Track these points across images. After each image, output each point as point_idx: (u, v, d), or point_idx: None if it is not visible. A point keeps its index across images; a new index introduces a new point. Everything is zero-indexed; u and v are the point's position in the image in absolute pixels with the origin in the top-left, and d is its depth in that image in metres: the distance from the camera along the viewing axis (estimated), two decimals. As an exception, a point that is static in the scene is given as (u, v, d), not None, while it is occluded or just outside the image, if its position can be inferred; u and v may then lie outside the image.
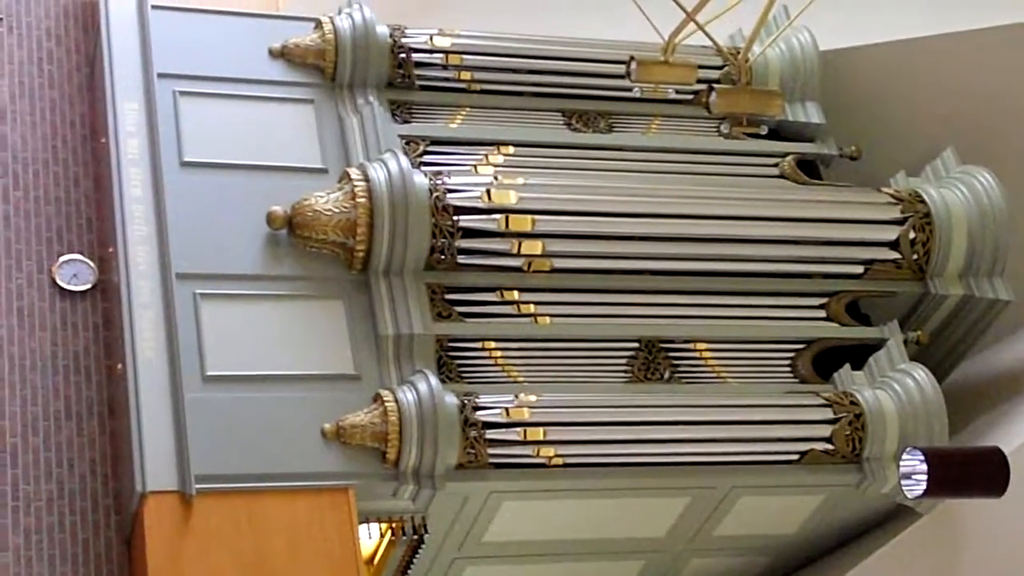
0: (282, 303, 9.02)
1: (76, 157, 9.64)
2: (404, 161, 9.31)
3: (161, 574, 8.08)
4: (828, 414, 9.46)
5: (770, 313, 9.88)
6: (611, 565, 10.02)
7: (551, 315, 9.42)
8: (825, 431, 9.44)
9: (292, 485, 8.46)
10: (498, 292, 9.37)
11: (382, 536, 9.25)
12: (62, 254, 9.26)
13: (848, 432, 9.43)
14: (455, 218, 9.25)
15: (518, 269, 9.41)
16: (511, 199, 9.40)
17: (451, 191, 9.30)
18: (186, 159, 9.30)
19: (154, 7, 9.80)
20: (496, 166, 9.67)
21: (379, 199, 9.09)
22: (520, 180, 9.53)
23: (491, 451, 8.87)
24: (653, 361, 9.60)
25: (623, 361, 9.51)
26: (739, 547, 10.13)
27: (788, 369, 9.85)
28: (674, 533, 9.81)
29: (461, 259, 9.28)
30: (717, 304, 9.79)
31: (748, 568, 10.33)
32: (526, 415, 8.96)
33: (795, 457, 9.45)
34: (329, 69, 9.93)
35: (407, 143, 9.74)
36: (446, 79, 10.19)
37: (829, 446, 9.45)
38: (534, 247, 9.42)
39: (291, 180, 9.37)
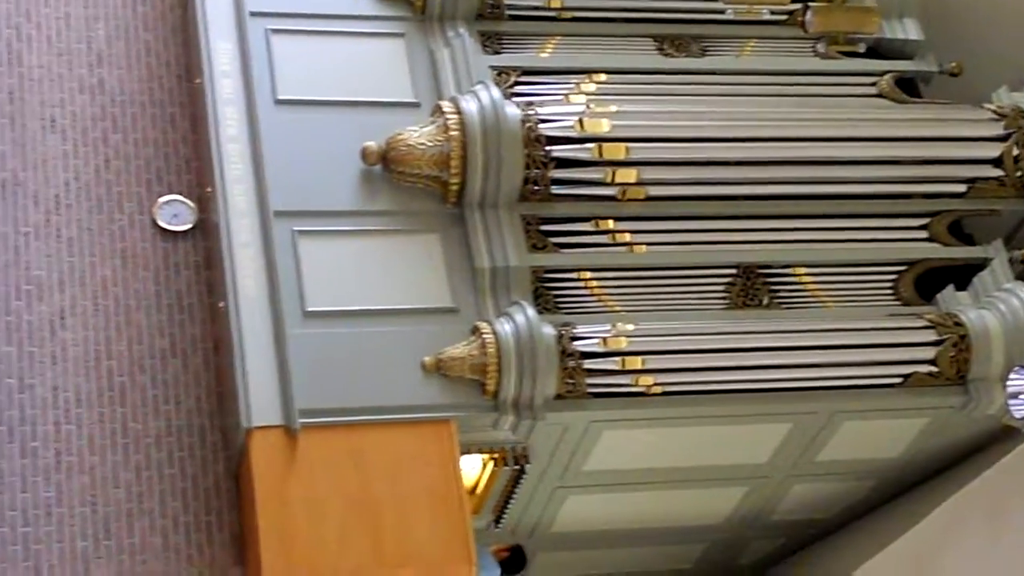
0: (378, 238, 9.16)
1: (172, 98, 9.81)
2: (496, 92, 9.36)
3: (268, 506, 8.31)
4: (931, 336, 9.43)
5: (871, 235, 9.85)
6: (713, 492, 10.14)
7: (647, 243, 9.46)
8: (929, 353, 9.41)
9: (394, 418, 8.65)
10: (593, 222, 9.44)
11: (484, 467, 9.45)
12: (162, 195, 9.45)
13: (952, 354, 9.39)
14: (548, 148, 9.29)
15: (612, 198, 9.46)
16: (604, 127, 9.41)
17: (543, 121, 9.34)
18: (280, 97, 9.43)
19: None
20: (588, 95, 9.65)
21: (472, 132, 9.16)
22: (613, 108, 9.53)
23: (589, 381, 8.97)
24: (752, 287, 9.61)
25: (721, 288, 9.53)
26: (842, 472, 10.17)
27: (890, 292, 9.81)
28: (776, 459, 9.89)
29: (555, 189, 9.35)
30: (816, 228, 9.76)
31: (851, 492, 10.37)
32: (624, 344, 9.04)
33: (898, 380, 9.44)
34: (419, 2, 9.98)
35: (498, 74, 9.78)
36: (536, 8, 10.18)
37: (933, 368, 9.41)
38: (628, 175, 9.46)
39: (384, 115, 9.48)
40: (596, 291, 9.34)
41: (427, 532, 8.46)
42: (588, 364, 8.96)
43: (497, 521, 9.75)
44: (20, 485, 8.46)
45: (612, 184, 9.42)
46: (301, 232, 9.03)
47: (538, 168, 9.29)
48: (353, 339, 8.80)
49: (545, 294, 9.24)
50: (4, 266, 9.01)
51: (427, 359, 8.82)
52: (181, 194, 9.51)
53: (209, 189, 9.27)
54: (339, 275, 8.97)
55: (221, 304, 8.94)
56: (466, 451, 9.03)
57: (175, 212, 9.44)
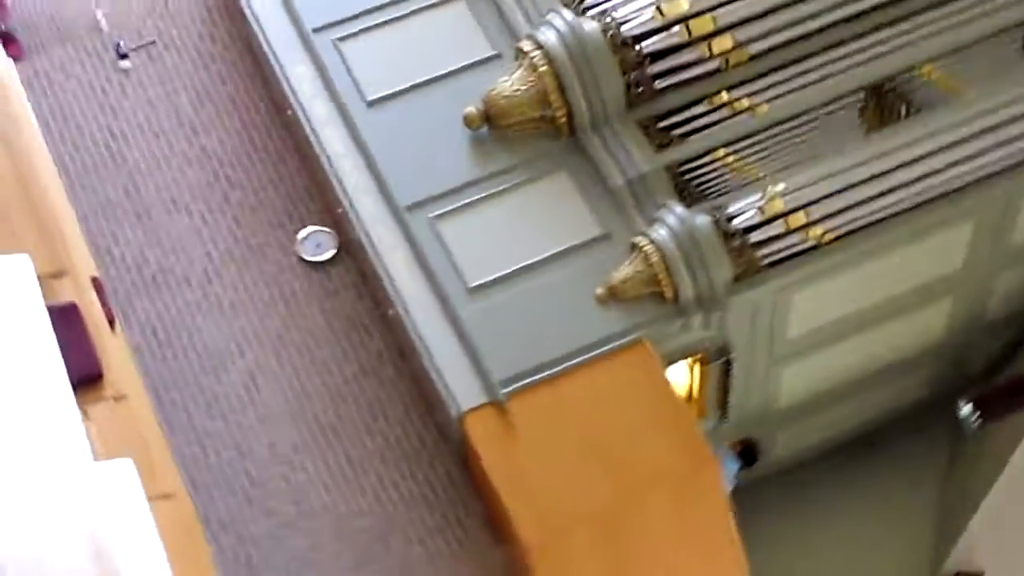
0: (510, 195, 9.26)
1: (271, 137, 9.96)
2: (568, 15, 9.37)
3: (504, 478, 8.49)
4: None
5: (981, 8, 9.59)
6: (920, 314, 10.09)
7: (767, 101, 9.39)
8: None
9: (589, 357, 8.76)
10: (707, 101, 9.39)
11: (691, 371, 9.53)
12: (298, 231, 9.64)
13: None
14: (637, 47, 9.27)
15: (717, 71, 9.39)
16: (684, 6, 9.33)
17: (623, 23, 9.31)
18: (370, 99, 9.57)
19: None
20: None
21: (559, 60, 9.20)
22: (685, -16, 9.52)
23: (761, 253, 9.00)
24: (884, 103, 9.45)
25: (855, 115, 9.42)
26: (1042, 246, 10.06)
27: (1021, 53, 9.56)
28: (971, 259, 9.80)
29: (659, 84, 9.33)
30: (924, 22, 9.54)
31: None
32: (781, 206, 9.02)
33: (1062, 135, 9.30)
34: (464, -49, 10.14)
35: (566, -4, 9.91)
36: (578, -81, 10.20)
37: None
38: (724, 43, 9.37)
39: (472, 77, 9.55)
40: (735, 165, 9.31)
41: (661, 449, 8.57)
42: (754, 237, 8.98)
43: (723, 416, 9.86)
44: (271, 544, 8.75)
45: (712, 58, 9.34)
46: (437, 217, 9.19)
47: (635, 70, 9.26)
48: (522, 298, 8.94)
49: (687, 187, 9.26)
50: (182, 349, 9.34)
51: (599, 291, 8.92)
52: (316, 224, 9.72)
53: (339, 209, 9.46)
54: (487, 244, 9.10)
55: (391, 312, 9.14)
56: (669, 362, 9.12)
57: (317, 243, 9.62)
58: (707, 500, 8.66)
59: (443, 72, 9.62)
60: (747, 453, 9.82)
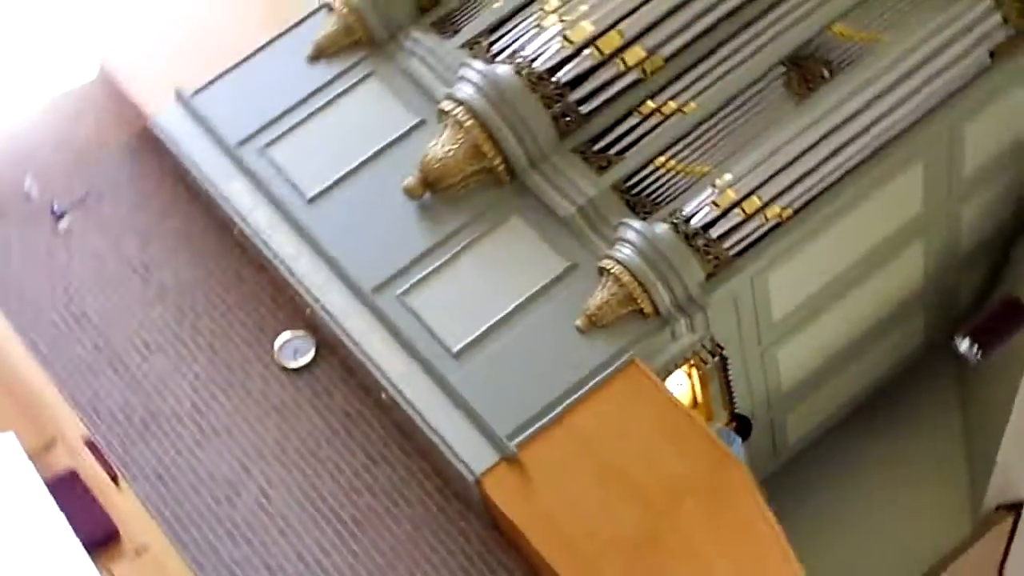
0: (469, 253, 9.29)
1: (224, 257, 9.96)
2: (479, 65, 9.45)
3: (538, 529, 8.44)
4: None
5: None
6: (896, 263, 10.14)
7: (692, 98, 9.48)
8: (996, 20, 9.32)
9: (587, 389, 8.74)
10: (635, 113, 9.46)
11: (690, 378, 9.55)
12: (273, 341, 9.60)
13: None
14: (554, 79, 9.36)
15: (638, 82, 9.49)
16: (589, 28, 9.45)
17: (534, 60, 9.41)
18: (309, 196, 9.63)
19: (193, 94, 10.14)
20: (555, 11, 9.66)
21: (482, 111, 9.27)
22: (583, 7, 9.54)
23: (726, 245, 9.05)
24: (806, 70, 9.52)
25: (781, 90, 9.49)
26: (995, 167, 10.10)
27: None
28: (930, 198, 9.86)
29: (584, 109, 9.43)
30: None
31: (1020, 177, 10.28)
32: (733, 195, 9.09)
33: (987, 60, 9.37)
34: (365, 36, 10.10)
35: (470, 48, 9.86)
36: (463, -31, 10.32)
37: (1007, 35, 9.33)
38: (637, 54, 9.47)
39: (402, 149, 9.63)
40: (677, 167, 9.34)
41: (680, 460, 8.53)
42: (715, 232, 9.02)
43: (732, 415, 9.87)
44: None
45: (629, 70, 9.44)
46: (404, 293, 9.20)
47: (558, 101, 9.36)
48: (507, 349, 8.96)
49: (638, 200, 9.28)
50: (190, 486, 9.29)
51: (579, 322, 8.92)
52: (289, 330, 9.70)
53: (308, 310, 9.45)
54: (459, 306, 9.11)
55: (383, 396, 9.10)
56: (666, 374, 9.13)
57: (295, 348, 9.59)
58: (738, 499, 8.60)
59: (373, 152, 9.68)
60: (742, 426, 9.84)
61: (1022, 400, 9.84)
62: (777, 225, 9.10)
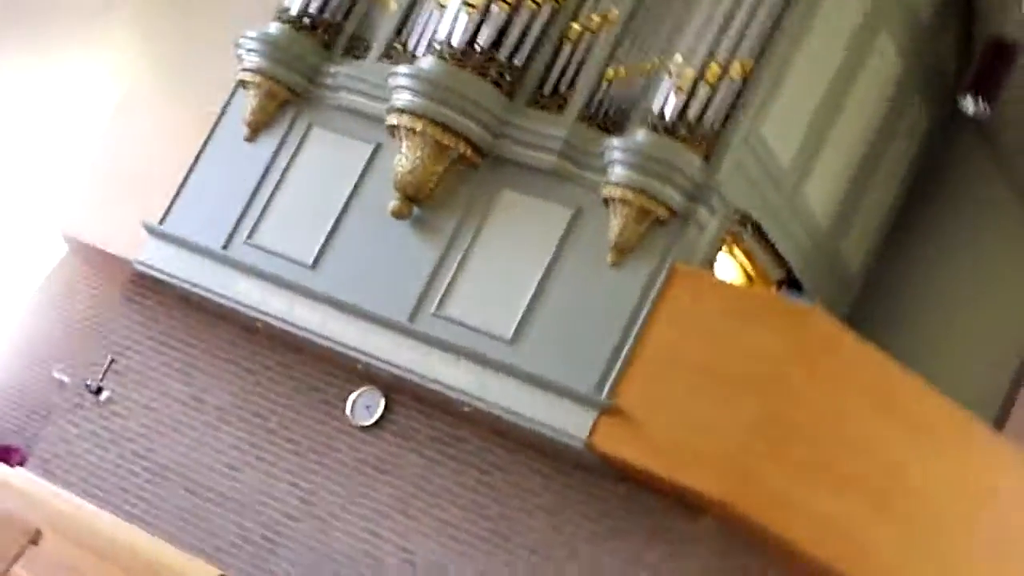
0: (479, 243, 9.31)
1: (264, 354, 10.03)
2: (403, 69, 9.42)
3: (666, 461, 8.34)
4: None
5: None
6: (871, 63, 10.02)
7: (611, 2, 9.38)
8: None
9: (645, 314, 8.72)
10: (565, 42, 9.41)
11: (733, 255, 9.57)
12: (343, 410, 9.68)
13: None
14: (477, 47, 9.31)
15: (556, 12, 9.39)
16: (489, -12, 9.48)
17: (451, 38, 9.35)
18: (310, 262, 9.65)
19: (161, 223, 10.15)
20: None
21: (426, 109, 9.25)
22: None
23: (707, 122, 8.93)
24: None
25: None
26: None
27: None
28: (873, -14, 9.85)
29: (517, 62, 9.36)
30: None
31: None
32: (691, 72, 8.92)
33: None
34: (288, 94, 10.10)
35: (388, 58, 9.88)
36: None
37: None
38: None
39: (372, 179, 9.65)
40: (628, 72, 9.25)
41: (764, 334, 8.44)
42: (691, 114, 8.91)
43: (789, 275, 9.83)
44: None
45: (541, 5, 9.30)
46: (438, 308, 9.22)
47: (490, 65, 9.28)
48: (554, 313, 8.96)
49: (608, 121, 9.24)
50: (335, 574, 9.49)
51: (609, 258, 8.92)
52: (356, 389, 9.70)
53: (359, 365, 9.48)
54: (493, 295, 9.12)
55: (466, 409, 9.10)
56: (710, 265, 9.17)
57: (366, 405, 9.65)
58: (834, 343, 8.52)
59: (347, 194, 9.69)
60: (793, 283, 9.84)
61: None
62: (745, 80, 9.04)
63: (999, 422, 9.95)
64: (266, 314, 9.66)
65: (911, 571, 8.46)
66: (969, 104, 9.53)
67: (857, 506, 8.42)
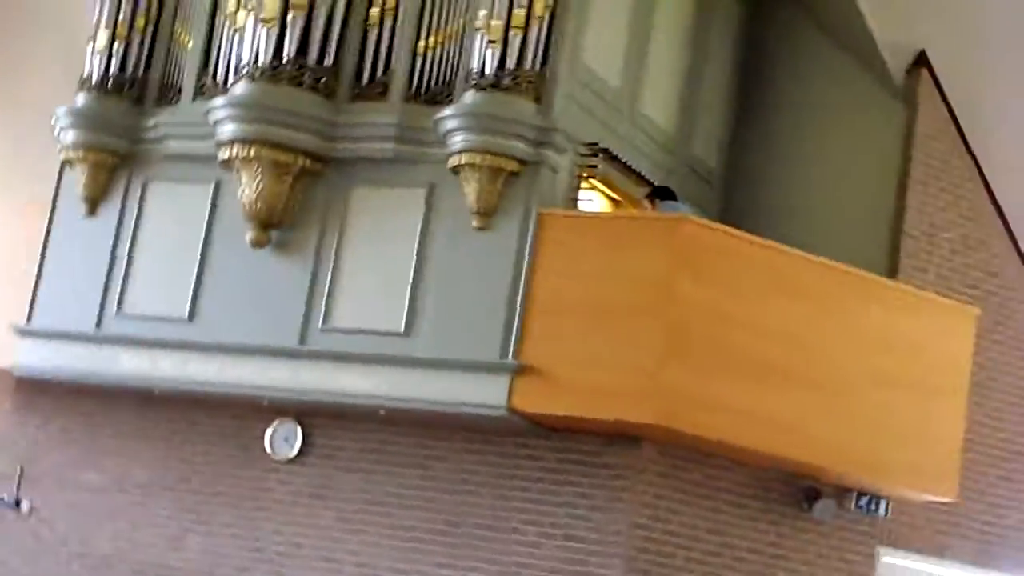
0: (346, 248, 9.23)
1: (168, 419, 9.88)
2: (219, 101, 9.37)
3: (586, 403, 8.43)
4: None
5: None
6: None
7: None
8: None
9: (527, 267, 8.69)
10: (370, 28, 9.36)
11: (596, 188, 9.56)
12: (261, 444, 9.54)
13: None
14: (284, 59, 9.23)
15: (350, 3, 9.39)
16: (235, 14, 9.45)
17: (257, 56, 9.28)
18: (186, 316, 9.52)
19: (28, 322, 10.04)
20: (237, 9, 9.59)
21: (253, 134, 9.20)
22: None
23: (528, 66, 8.87)
24: None
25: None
26: None
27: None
28: None
29: (328, 62, 9.28)
30: None
31: None
32: (498, 22, 8.86)
33: None
34: (114, 158, 9.98)
35: (202, 94, 9.74)
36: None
37: None
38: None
39: (222, 218, 9.58)
40: (438, 41, 9.25)
41: (643, 254, 8.55)
42: (510, 62, 8.85)
43: (651, 192, 9.76)
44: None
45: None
46: (325, 323, 9.13)
47: (303, 74, 9.23)
48: (440, 293, 8.92)
49: (434, 93, 9.20)
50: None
51: (474, 223, 8.87)
52: (270, 425, 9.53)
53: (264, 402, 9.37)
54: (375, 293, 9.07)
55: (381, 411, 9.06)
56: (573, 203, 9.18)
57: (284, 437, 9.52)
58: (713, 243, 8.62)
59: (202, 240, 9.62)
60: (664, 192, 9.77)
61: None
62: (552, 15, 8.99)
63: (892, 270, 10.12)
64: (158, 379, 9.56)
65: (827, 430, 8.70)
66: None
67: (771, 388, 8.62)
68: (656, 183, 9.90)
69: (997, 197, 10.66)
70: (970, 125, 10.55)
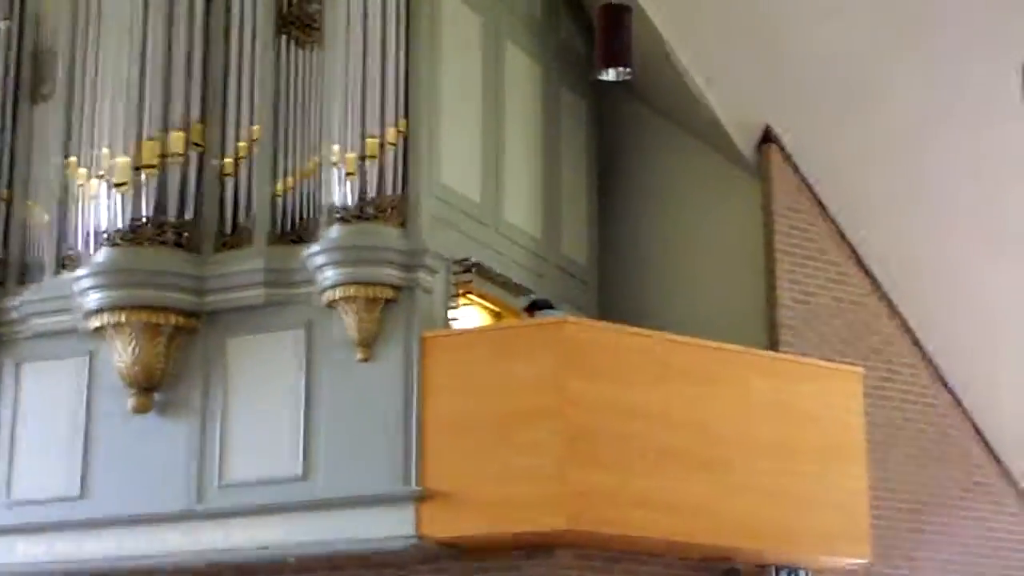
0: (231, 401, 9.15)
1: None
2: (83, 270, 9.28)
3: (502, 518, 8.41)
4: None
5: None
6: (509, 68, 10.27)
7: (249, 123, 9.38)
8: None
9: (416, 391, 8.71)
10: (226, 179, 9.36)
11: (474, 302, 9.64)
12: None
13: None
14: (145, 219, 9.18)
15: (203, 155, 9.37)
16: (123, 159, 9.25)
17: (115, 221, 9.21)
18: (78, 494, 9.37)
19: None
20: (88, 178, 9.53)
21: (120, 299, 9.12)
22: (104, 150, 9.41)
23: (389, 192, 8.94)
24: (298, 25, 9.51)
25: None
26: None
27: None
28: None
29: (188, 216, 9.28)
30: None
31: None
32: (352, 157, 8.92)
33: None
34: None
35: (64, 267, 9.62)
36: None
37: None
38: (177, 138, 9.30)
39: (101, 390, 9.40)
40: (295, 180, 9.29)
41: (530, 361, 8.59)
42: (370, 191, 8.89)
43: (530, 303, 9.79)
44: None
45: (187, 152, 9.28)
46: (220, 478, 9.01)
47: (164, 232, 9.20)
48: (331, 432, 8.87)
49: (298, 231, 9.16)
50: None
51: (358, 355, 8.83)
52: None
53: (163, 572, 9.17)
54: (267, 441, 9.01)
55: (290, 560, 8.90)
56: (452, 320, 9.21)
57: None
58: (593, 342, 8.73)
59: (83, 414, 9.47)
60: (540, 302, 9.78)
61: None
62: (404, 140, 9.04)
63: (772, 341, 10.25)
64: (56, 563, 9.33)
65: (735, 509, 8.76)
66: (610, 74, 9.58)
67: (674, 475, 8.65)
68: (530, 288, 9.96)
69: (862, 257, 10.84)
70: (825, 189, 10.73)
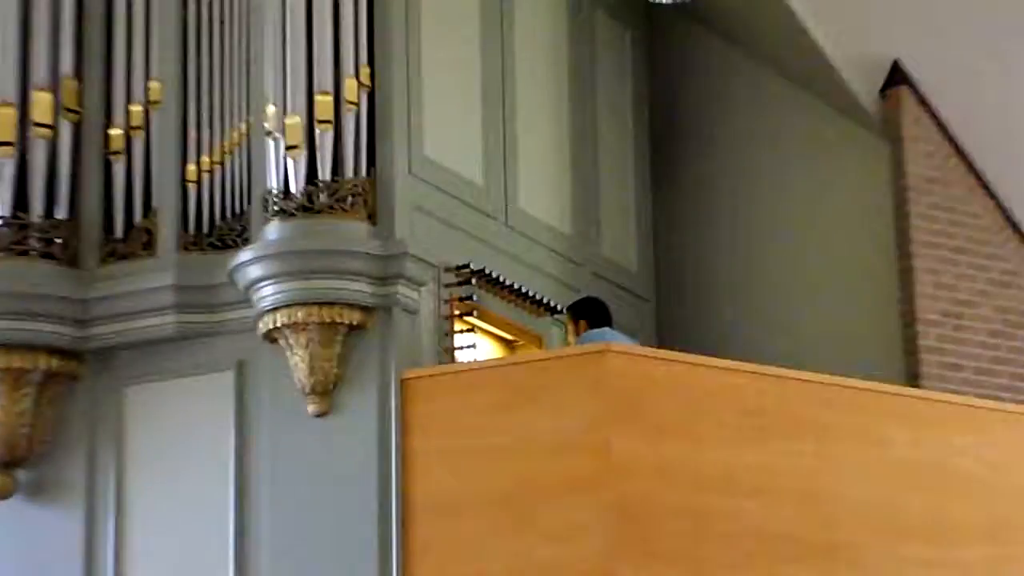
0: (130, 484, 9.07)
1: None
2: None
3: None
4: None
5: None
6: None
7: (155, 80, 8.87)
8: None
9: (396, 448, 8.63)
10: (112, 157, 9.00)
11: (472, 324, 9.30)
12: None
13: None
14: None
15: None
16: None
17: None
18: None
19: None
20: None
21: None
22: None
23: (349, 173, 8.80)
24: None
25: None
26: None
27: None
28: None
29: (61, 214, 9.05)
30: None
31: None
32: (297, 120, 8.76)
33: None
34: None
35: None
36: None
37: None
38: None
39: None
40: (216, 160, 9.06)
41: (567, 409, 8.43)
42: (321, 171, 8.63)
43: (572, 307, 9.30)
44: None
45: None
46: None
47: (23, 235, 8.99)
48: (276, 529, 8.73)
49: (214, 234, 9.18)
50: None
51: (310, 408, 8.55)
52: None
53: None
54: (186, 548, 8.94)
55: None
56: (447, 352, 8.85)
57: None
58: (648, 378, 8.46)
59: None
60: (592, 307, 9.44)
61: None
62: (372, 95, 8.56)
63: (912, 373, 9.95)
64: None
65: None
66: None
67: (779, 573, 8.34)
68: (554, 305, 9.38)
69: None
70: (982, 153, 10.38)
